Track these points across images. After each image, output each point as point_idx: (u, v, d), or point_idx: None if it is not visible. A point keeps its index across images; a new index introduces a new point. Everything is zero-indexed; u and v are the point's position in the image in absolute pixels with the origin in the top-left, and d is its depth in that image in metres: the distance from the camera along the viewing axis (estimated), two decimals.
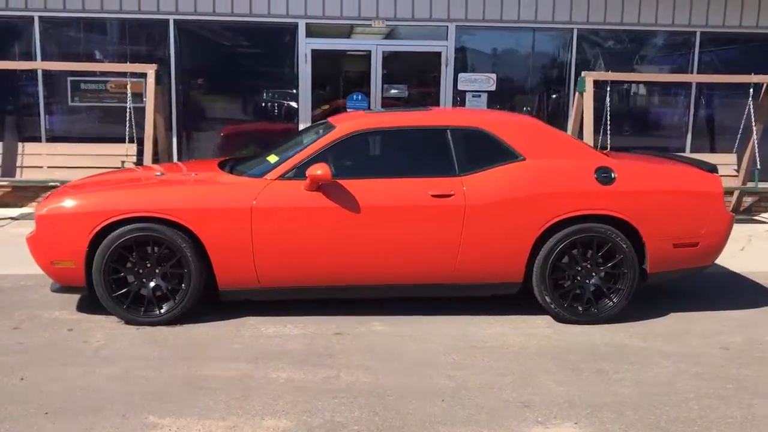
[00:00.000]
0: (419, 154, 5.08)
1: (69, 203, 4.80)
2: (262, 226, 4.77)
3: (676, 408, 3.71)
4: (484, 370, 4.17)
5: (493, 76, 9.76)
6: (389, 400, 3.75)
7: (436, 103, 9.69)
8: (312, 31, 9.47)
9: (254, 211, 4.76)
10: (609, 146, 8.95)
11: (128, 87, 8.73)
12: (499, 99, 9.89)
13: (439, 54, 9.61)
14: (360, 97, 9.70)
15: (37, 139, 9.33)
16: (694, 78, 9.65)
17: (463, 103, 9.76)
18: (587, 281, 5.03)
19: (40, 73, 9.29)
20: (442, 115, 5.24)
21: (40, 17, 9.15)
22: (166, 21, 9.31)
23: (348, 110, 9.66)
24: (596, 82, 8.75)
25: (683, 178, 5.13)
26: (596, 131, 8.83)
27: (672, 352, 4.50)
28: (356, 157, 5.05)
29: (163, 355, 4.33)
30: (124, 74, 8.88)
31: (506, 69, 9.92)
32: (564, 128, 9.36)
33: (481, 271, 4.96)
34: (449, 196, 4.85)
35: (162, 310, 4.83)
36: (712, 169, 5.20)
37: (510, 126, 5.14)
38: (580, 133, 8.59)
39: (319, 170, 4.68)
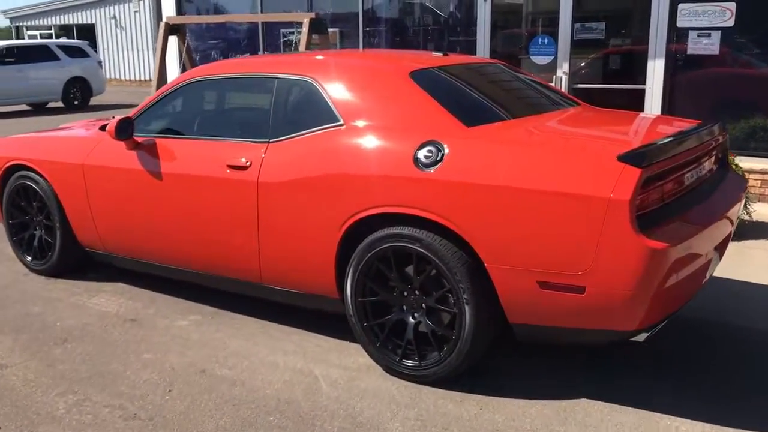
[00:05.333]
0: (244, 110, 3.92)
1: None
2: (93, 184, 4.31)
3: None
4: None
5: (732, 6, 6.77)
6: None
7: (645, 45, 7.20)
8: None
9: (85, 168, 4.33)
10: None
11: (294, 36, 8.74)
12: (739, 37, 6.86)
13: None
14: (547, 40, 7.81)
15: None
16: None
17: (684, 45, 7.05)
18: (412, 316, 3.26)
19: (260, 26, 9.95)
20: (282, 61, 3.91)
21: None
22: None
23: (531, 57, 7.92)
24: None
25: (552, 168, 2.82)
26: None
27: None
28: (184, 111, 4.15)
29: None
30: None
31: None
32: None
33: (289, 277, 3.61)
34: (244, 168, 3.63)
35: (44, 260, 4.79)
36: (633, 157, 2.71)
37: (344, 77, 3.54)
38: None
39: (114, 125, 4.00)
